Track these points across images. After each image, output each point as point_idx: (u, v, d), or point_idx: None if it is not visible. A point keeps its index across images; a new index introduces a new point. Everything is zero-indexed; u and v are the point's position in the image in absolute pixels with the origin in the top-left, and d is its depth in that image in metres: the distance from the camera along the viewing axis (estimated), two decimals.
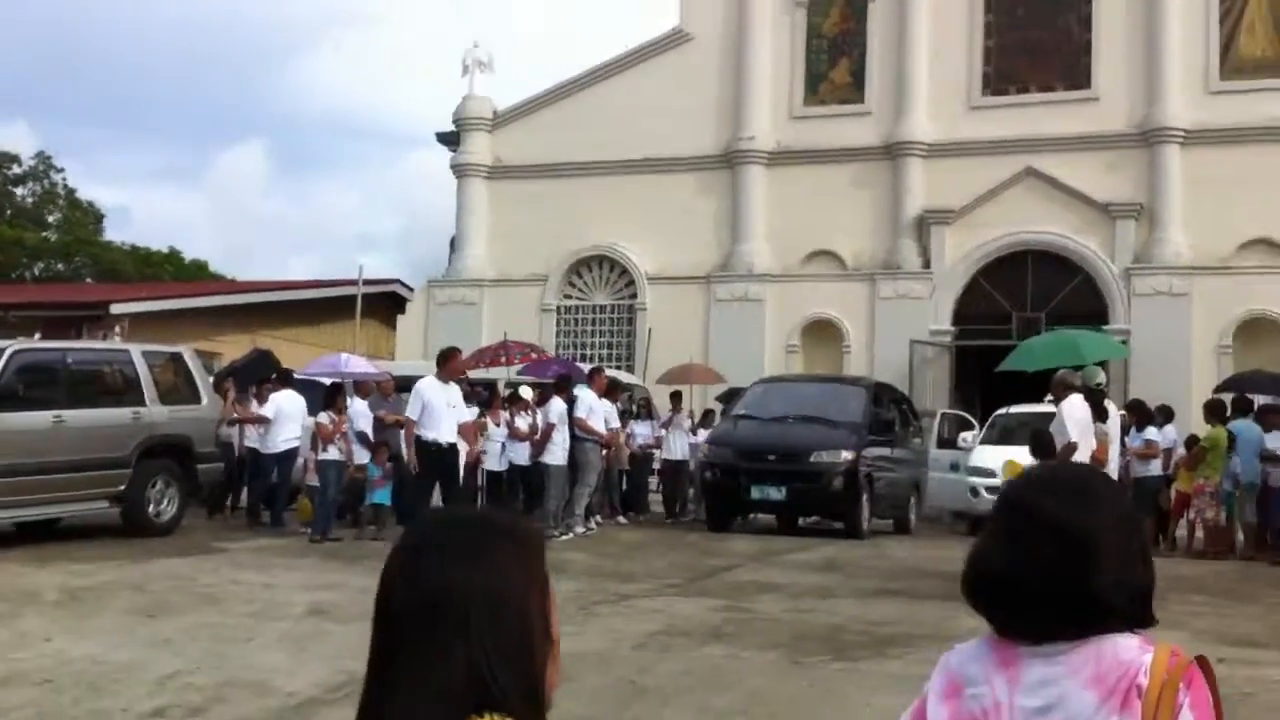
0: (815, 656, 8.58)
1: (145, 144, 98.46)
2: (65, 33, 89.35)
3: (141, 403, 14.96)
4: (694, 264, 28.50)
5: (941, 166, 27.21)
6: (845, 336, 27.38)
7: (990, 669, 2.00)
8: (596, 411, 17.10)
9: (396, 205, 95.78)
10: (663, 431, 20.78)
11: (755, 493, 17.63)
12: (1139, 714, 1.87)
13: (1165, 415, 18.27)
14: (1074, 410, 11.57)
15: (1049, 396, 13.37)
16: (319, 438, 15.81)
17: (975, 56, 27.60)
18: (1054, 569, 1.94)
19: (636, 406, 21.82)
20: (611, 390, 18.19)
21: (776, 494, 17.55)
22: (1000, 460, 18.33)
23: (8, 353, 13.74)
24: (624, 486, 20.21)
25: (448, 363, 13.12)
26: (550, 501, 16.61)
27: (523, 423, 17.51)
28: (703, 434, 20.31)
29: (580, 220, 28.87)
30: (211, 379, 18.24)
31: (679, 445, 20.35)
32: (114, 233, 60.95)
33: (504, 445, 17.73)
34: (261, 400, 17.18)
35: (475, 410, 16.20)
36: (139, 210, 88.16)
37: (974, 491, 19.10)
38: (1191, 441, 17.85)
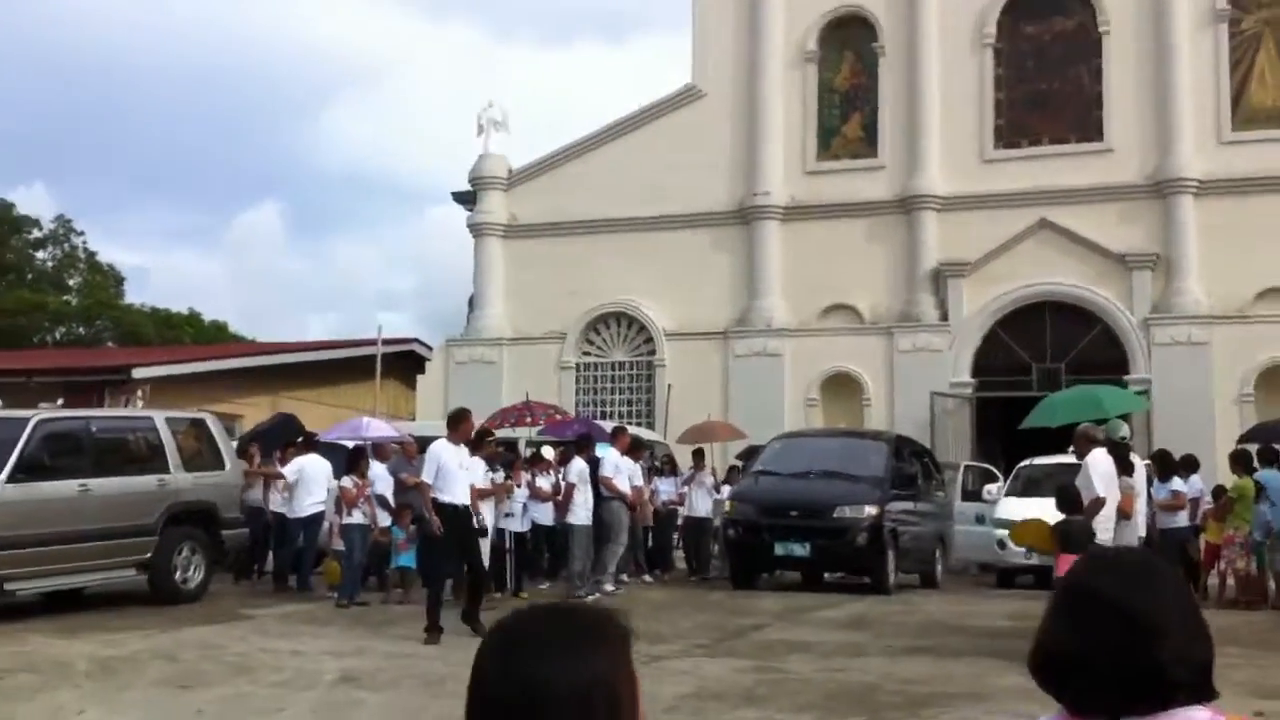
0: (851, 718, 8.54)
1: (163, 205, 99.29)
2: (83, 95, 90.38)
3: (166, 470, 15.00)
4: (711, 320, 28.57)
5: (956, 219, 27.29)
6: (865, 390, 27.37)
7: None
8: (622, 470, 17.16)
9: (414, 262, 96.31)
10: (685, 488, 20.76)
11: (779, 549, 17.59)
12: None
13: (1189, 466, 18.20)
14: (1099, 464, 11.54)
15: (1072, 448, 13.33)
16: (343, 502, 15.85)
17: (987, 110, 27.75)
18: (1120, 649, 1.98)
19: (660, 463, 21.82)
20: (634, 448, 18.22)
21: (801, 550, 17.50)
22: (1022, 515, 18.31)
23: (32, 422, 13.80)
24: (649, 544, 20.18)
25: (459, 425, 13.09)
26: (575, 562, 16.61)
27: (545, 482, 17.51)
28: (726, 490, 20.27)
29: (597, 277, 28.98)
30: (235, 442, 18.32)
31: (702, 502, 20.31)
32: (134, 294, 61.39)
33: (525, 505, 17.72)
34: (285, 464, 17.23)
35: (501, 473, 16.14)
36: (158, 271, 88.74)
37: (1000, 544, 19.06)
38: (1219, 492, 17.84)
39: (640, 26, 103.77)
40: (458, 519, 12.60)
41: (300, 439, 17.93)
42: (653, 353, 29.17)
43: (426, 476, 12.63)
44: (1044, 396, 21.58)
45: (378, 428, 19.55)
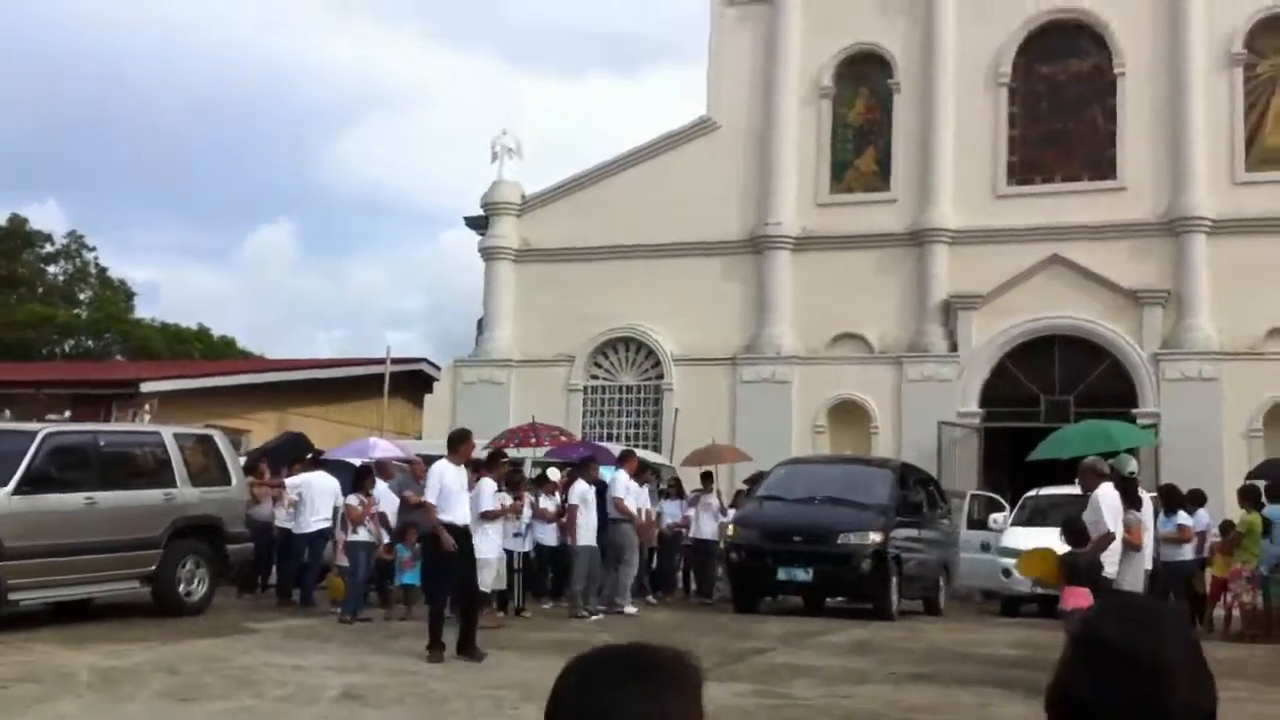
0: None
1: (176, 222, 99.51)
2: (98, 113, 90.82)
3: (173, 484, 15.06)
4: (720, 346, 28.59)
5: (967, 253, 27.31)
6: (873, 418, 27.36)
7: None
8: (632, 493, 17.25)
9: (423, 283, 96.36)
10: (690, 511, 20.77)
11: (782, 574, 17.62)
12: None
13: (1197, 500, 18.21)
14: (1109, 498, 11.51)
15: (1078, 480, 13.33)
16: (349, 519, 15.89)
17: (1000, 147, 27.80)
18: (1128, 697, 2.06)
19: (667, 485, 21.85)
20: (640, 471, 18.28)
21: (803, 575, 17.52)
22: (1028, 544, 18.31)
23: (40, 435, 13.87)
24: (654, 565, 20.19)
25: (459, 446, 13.06)
26: (577, 582, 16.63)
27: (549, 504, 17.54)
28: (733, 514, 20.28)
29: (606, 302, 29.02)
30: (243, 458, 18.36)
31: (707, 525, 20.31)
32: (143, 309, 61.50)
33: (530, 525, 17.73)
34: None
35: (506, 496, 16.05)
36: (168, 286, 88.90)
37: (1006, 573, 19.09)
38: (1226, 527, 17.85)
39: (651, 60, 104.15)
40: (458, 539, 12.58)
41: (309, 456, 17.98)
42: (661, 377, 29.18)
43: (430, 497, 12.61)
44: (1052, 428, 21.63)
45: (384, 448, 19.59)
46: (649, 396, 29.38)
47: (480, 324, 31.46)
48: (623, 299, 28.90)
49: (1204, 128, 26.28)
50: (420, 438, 27.87)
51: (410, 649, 12.44)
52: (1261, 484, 17.65)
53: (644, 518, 18.21)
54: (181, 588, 14.92)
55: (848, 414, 27.66)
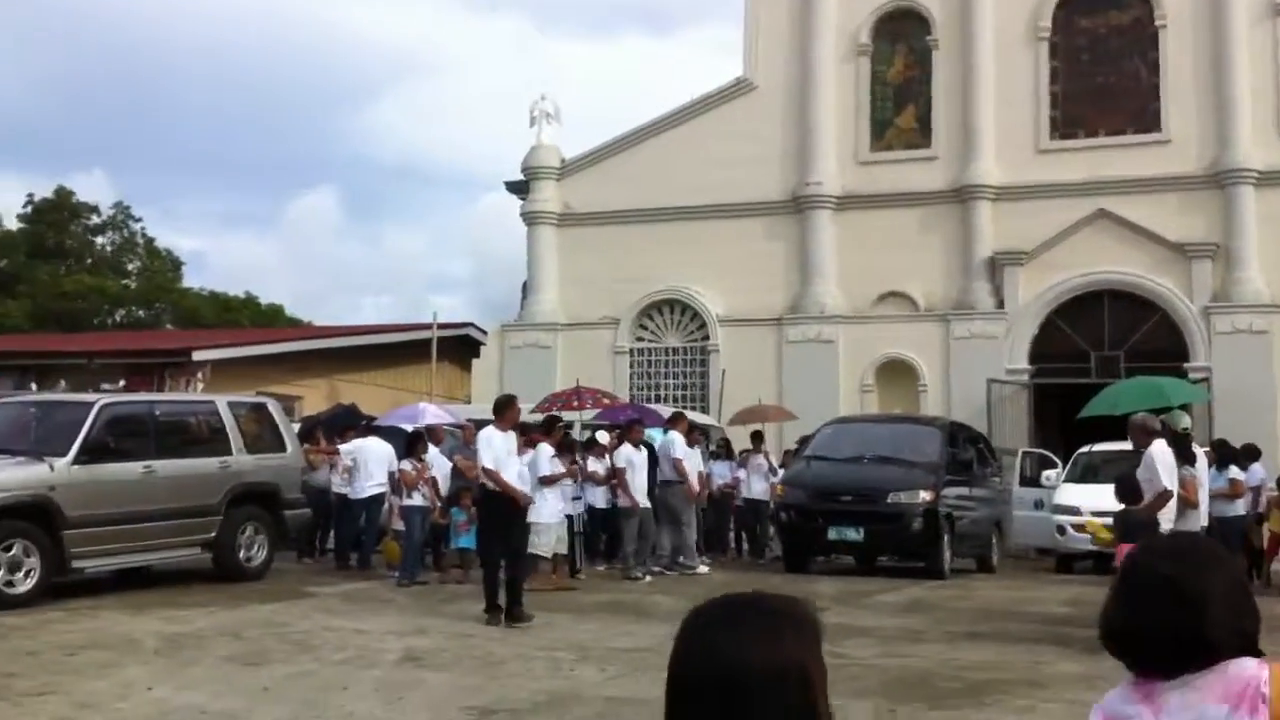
0: (911, 704, 8.56)
1: (219, 191, 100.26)
2: (141, 84, 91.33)
3: (229, 452, 15.24)
4: (765, 306, 28.55)
5: (1011, 209, 27.13)
6: (921, 376, 27.29)
7: (1138, 705, 2.31)
8: (689, 455, 17.38)
9: (467, 248, 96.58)
10: (741, 471, 20.81)
11: (832, 533, 17.59)
12: (1266, 716, 2.21)
13: (1250, 454, 18.05)
14: (1163, 456, 11.44)
15: (1129, 437, 13.25)
16: (403, 484, 16.05)
17: (1042, 101, 27.55)
18: (1166, 619, 2.26)
19: (716, 446, 21.90)
20: (689, 432, 18.33)
21: (854, 535, 17.48)
22: (1080, 500, 18.36)
23: (97, 406, 14.04)
24: (704, 526, 20.27)
25: (505, 411, 13.02)
26: (628, 544, 16.73)
27: (599, 466, 17.61)
28: (782, 474, 20.29)
29: (650, 264, 29.02)
30: (296, 425, 18.54)
31: (757, 485, 20.35)
32: (191, 278, 62.03)
33: (582, 488, 17.80)
34: None
35: (558, 462, 16.03)
36: (214, 255, 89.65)
37: (1060, 530, 19.07)
38: None
39: (686, 21, 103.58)
40: (508, 503, 12.61)
41: (363, 423, 18.17)
42: (706, 338, 29.20)
43: (486, 462, 12.62)
44: (1103, 384, 21.49)
45: (433, 413, 19.72)
46: (695, 358, 29.41)
47: (524, 288, 31.55)
48: (665, 261, 28.89)
49: (1248, 79, 26.02)
50: (469, 402, 28.02)
51: (466, 612, 12.57)
52: None
53: (699, 480, 18.28)
54: (241, 554, 15.12)
55: (895, 372, 27.60)
